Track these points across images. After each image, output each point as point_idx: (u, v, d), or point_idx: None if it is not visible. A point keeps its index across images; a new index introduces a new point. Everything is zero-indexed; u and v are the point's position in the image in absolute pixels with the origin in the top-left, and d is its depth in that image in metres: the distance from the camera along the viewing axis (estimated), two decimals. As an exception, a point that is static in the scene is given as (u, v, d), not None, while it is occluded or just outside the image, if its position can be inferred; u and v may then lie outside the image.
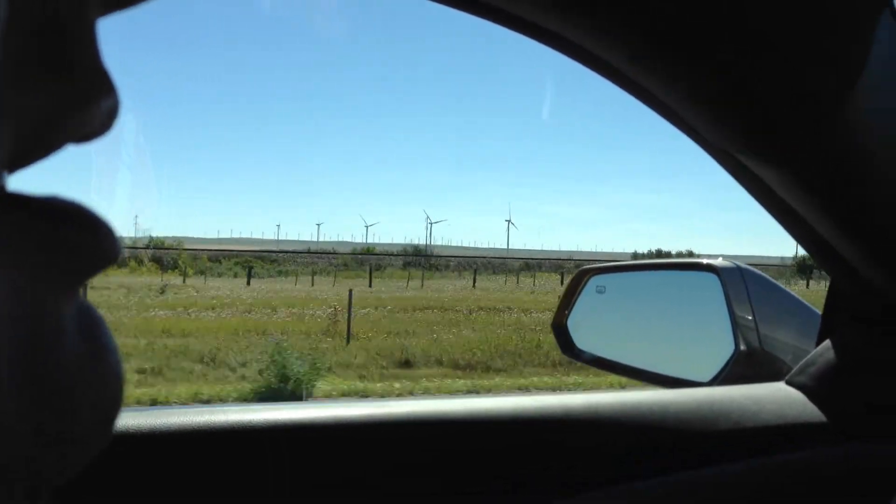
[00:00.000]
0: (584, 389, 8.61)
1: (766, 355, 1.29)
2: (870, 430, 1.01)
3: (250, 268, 36.35)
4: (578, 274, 1.73)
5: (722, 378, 1.29)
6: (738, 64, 0.71)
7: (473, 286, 33.14)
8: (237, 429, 0.86)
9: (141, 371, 9.77)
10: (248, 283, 29.88)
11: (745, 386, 1.12)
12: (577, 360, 1.70)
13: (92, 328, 0.26)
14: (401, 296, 23.81)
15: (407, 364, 11.05)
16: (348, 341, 12.71)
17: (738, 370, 1.28)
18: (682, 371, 1.41)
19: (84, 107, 0.25)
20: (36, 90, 0.23)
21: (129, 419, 0.84)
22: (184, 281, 30.14)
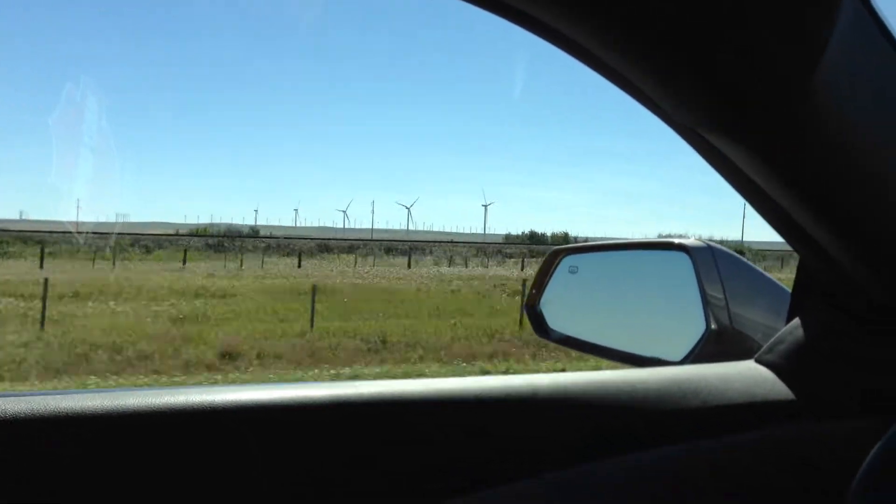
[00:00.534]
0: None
1: (736, 334, 1.30)
2: (837, 407, 1.02)
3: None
4: (551, 254, 1.73)
5: (693, 357, 1.30)
6: (704, 39, 0.70)
7: (299, 266, 32.12)
8: (199, 410, 0.84)
9: None
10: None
11: (715, 364, 1.13)
12: (549, 340, 1.70)
13: None
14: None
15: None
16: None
17: (709, 349, 1.28)
18: (654, 350, 1.41)
19: None
20: None
21: (86, 401, 0.82)
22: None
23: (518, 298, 16.75)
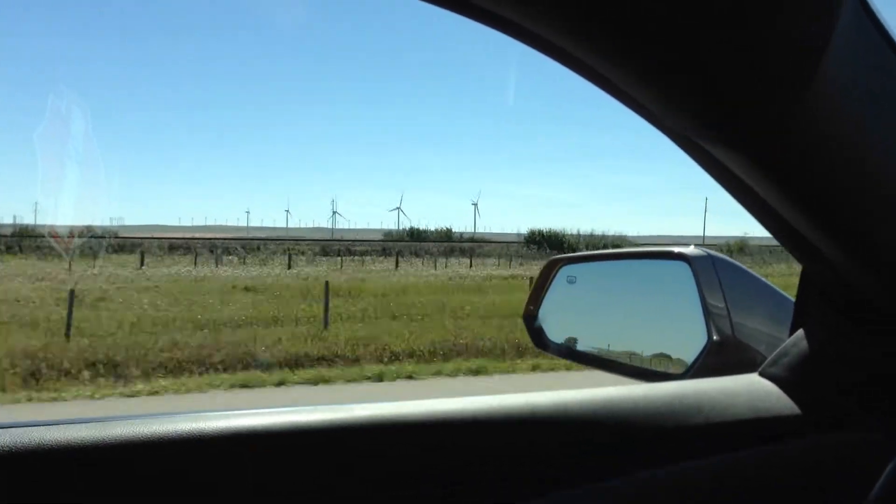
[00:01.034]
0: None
1: (739, 344, 1.28)
2: (845, 421, 1.00)
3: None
4: (549, 264, 1.71)
5: (695, 369, 1.28)
6: (698, 45, 0.68)
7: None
8: (189, 438, 0.82)
9: None
10: None
11: (718, 379, 1.11)
12: (547, 352, 1.68)
13: None
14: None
15: None
16: None
17: (711, 360, 1.27)
18: (655, 362, 1.40)
19: None
20: None
21: (70, 432, 0.80)
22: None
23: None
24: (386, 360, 10.71)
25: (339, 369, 9.98)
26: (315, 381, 9.31)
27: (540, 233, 63.92)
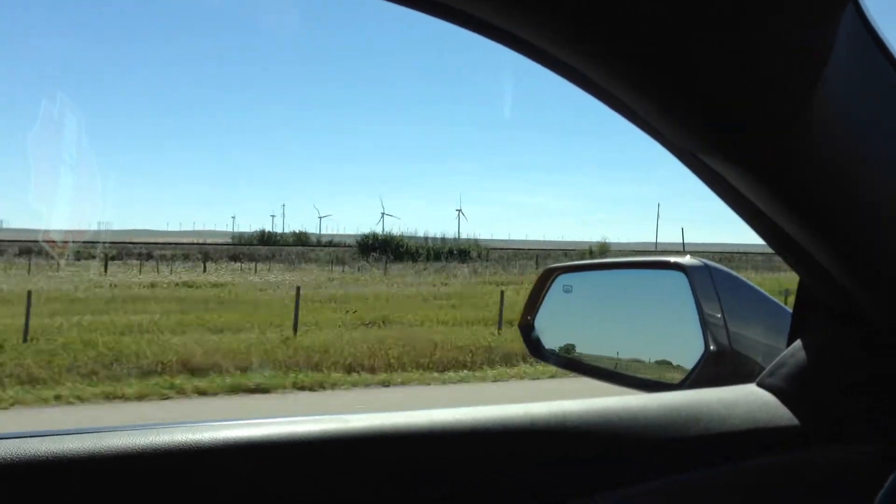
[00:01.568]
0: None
1: (736, 355, 1.28)
2: (843, 432, 1.00)
3: None
4: (545, 273, 1.71)
5: (692, 379, 1.28)
6: (702, 63, 0.68)
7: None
8: (185, 449, 0.82)
9: None
10: None
11: (716, 389, 1.10)
12: (544, 361, 1.68)
13: None
14: None
15: None
16: None
17: (708, 371, 1.27)
18: (652, 372, 1.40)
19: None
20: None
21: (65, 443, 0.79)
22: None
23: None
24: None
25: None
26: None
27: (374, 236, 57.32)
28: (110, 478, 0.79)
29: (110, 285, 23.47)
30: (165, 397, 8.54)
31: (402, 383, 9.78)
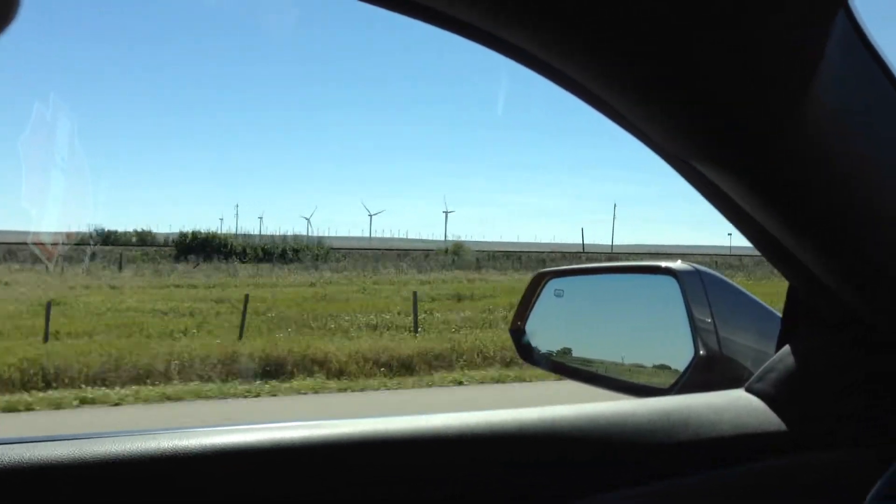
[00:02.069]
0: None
1: (725, 360, 1.28)
2: (831, 437, 1.00)
3: None
4: (536, 277, 1.71)
5: (682, 384, 1.28)
6: (700, 64, 0.68)
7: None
8: (170, 456, 0.81)
9: None
10: None
11: (704, 394, 1.10)
12: (535, 366, 1.68)
13: None
14: None
15: None
16: None
17: (697, 375, 1.27)
18: (642, 377, 1.40)
19: None
20: None
21: (53, 450, 0.79)
22: None
23: None
24: None
25: None
26: None
27: (194, 235, 43.48)
28: (95, 485, 0.78)
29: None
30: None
31: None
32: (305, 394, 9.32)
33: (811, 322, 1.08)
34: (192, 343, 11.52)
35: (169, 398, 8.83)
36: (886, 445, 0.96)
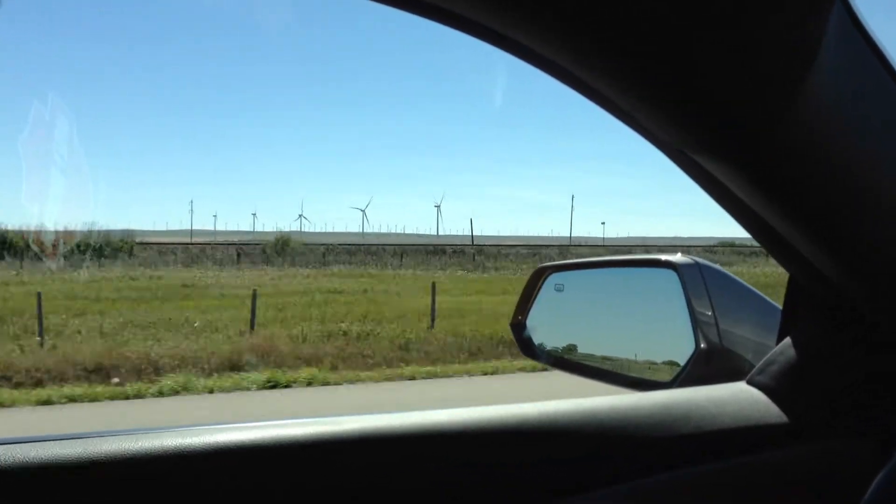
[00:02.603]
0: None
1: (726, 352, 1.28)
2: (832, 429, 1.00)
3: None
4: (537, 271, 1.71)
5: (683, 377, 1.28)
6: (690, 58, 0.68)
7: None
8: (174, 454, 0.81)
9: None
10: None
11: (706, 387, 1.11)
12: (536, 360, 1.68)
13: None
14: None
15: None
16: None
17: (698, 368, 1.27)
18: (644, 371, 1.41)
19: None
20: None
21: (55, 449, 0.79)
22: None
23: None
24: None
25: None
26: None
27: None
28: (99, 484, 0.78)
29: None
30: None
31: None
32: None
33: (812, 314, 1.08)
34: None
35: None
36: (887, 437, 0.96)
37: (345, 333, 12.61)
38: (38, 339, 11.25)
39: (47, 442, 0.80)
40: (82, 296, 17.05)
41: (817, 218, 0.86)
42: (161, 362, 9.98)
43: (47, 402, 8.22)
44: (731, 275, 1.39)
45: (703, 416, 1.00)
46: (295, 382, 9.30)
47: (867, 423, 0.99)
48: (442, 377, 10.04)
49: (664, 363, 1.40)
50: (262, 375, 9.33)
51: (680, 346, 1.32)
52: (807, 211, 0.85)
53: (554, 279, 1.68)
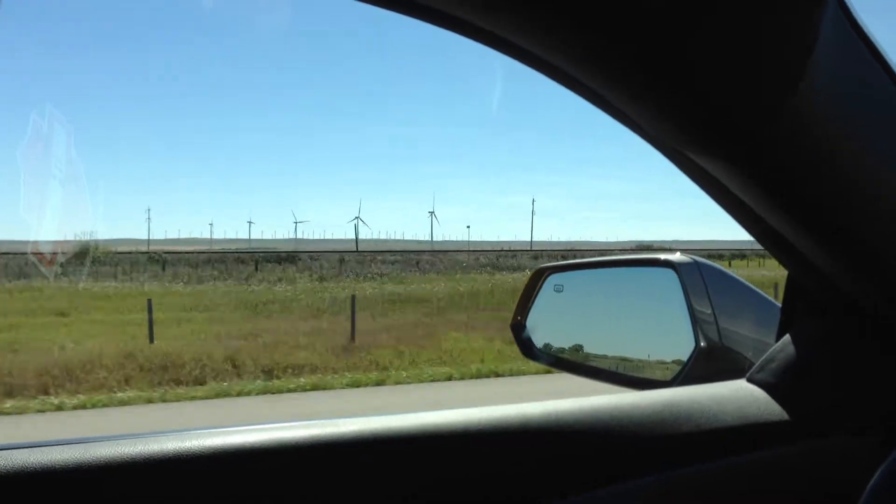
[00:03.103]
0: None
1: (726, 351, 1.29)
2: (832, 426, 1.00)
3: None
4: (536, 272, 1.71)
5: (683, 376, 1.28)
6: (685, 57, 0.68)
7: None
8: (173, 458, 0.81)
9: None
10: None
11: (706, 386, 1.11)
12: (536, 361, 1.68)
13: None
14: None
15: None
16: None
17: (699, 367, 1.27)
18: (644, 370, 1.41)
19: None
20: None
21: (54, 454, 0.79)
22: None
23: None
24: None
25: None
26: None
27: None
28: (98, 488, 0.78)
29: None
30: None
31: None
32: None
33: (811, 311, 1.09)
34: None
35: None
36: (886, 435, 0.97)
37: None
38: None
39: (48, 447, 0.80)
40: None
41: (814, 215, 0.86)
42: None
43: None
44: (730, 273, 1.40)
45: (704, 414, 1.01)
46: None
47: (867, 418, 1.00)
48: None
49: (664, 362, 1.40)
50: None
51: (680, 345, 1.32)
52: (804, 209, 0.85)
53: (553, 280, 1.68)
